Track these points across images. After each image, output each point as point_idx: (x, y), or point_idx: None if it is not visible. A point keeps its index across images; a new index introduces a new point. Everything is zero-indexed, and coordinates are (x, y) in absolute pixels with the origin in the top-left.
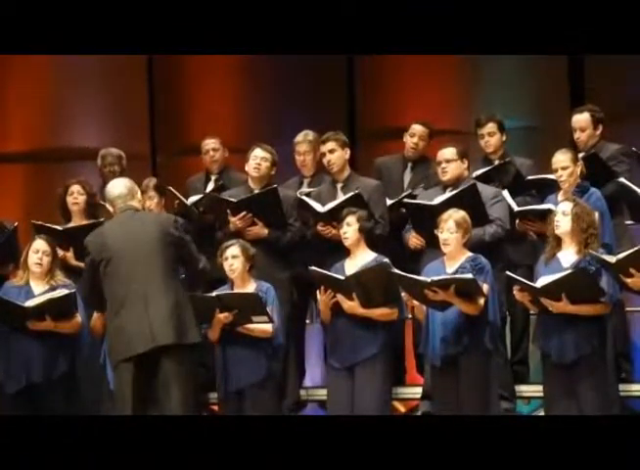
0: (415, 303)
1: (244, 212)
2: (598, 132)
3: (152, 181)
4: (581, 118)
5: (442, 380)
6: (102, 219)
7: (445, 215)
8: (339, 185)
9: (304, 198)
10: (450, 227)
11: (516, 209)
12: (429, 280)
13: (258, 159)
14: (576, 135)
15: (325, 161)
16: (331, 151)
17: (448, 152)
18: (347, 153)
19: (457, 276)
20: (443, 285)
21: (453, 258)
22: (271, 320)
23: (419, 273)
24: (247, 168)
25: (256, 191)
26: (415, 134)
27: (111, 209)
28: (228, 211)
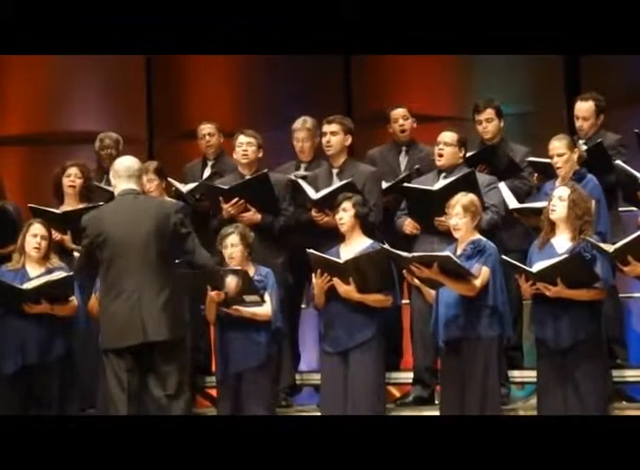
0: (416, 281)
1: (236, 199)
2: (599, 122)
3: (152, 164)
4: (585, 107)
5: (446, 362)
6: (100, 203)
7: (453, 201)
8: (334, 171)
9: (300, 181)
10: (458, 212)
11: (511, 206)
12: (410, 256)
13: (244, 145)
14: (579, 123)
15: (324, 140)
16: (333, 132)
17: (448, 136)
18: (349, 140)
19: (435, 253)
20: (425, 262)
21: (463, 242)
22: (262, 299)
23: None
24: (235, 156)
25: (247, 177)
26: (397, 118)
27: (113, 181)
28: (221, 198)
